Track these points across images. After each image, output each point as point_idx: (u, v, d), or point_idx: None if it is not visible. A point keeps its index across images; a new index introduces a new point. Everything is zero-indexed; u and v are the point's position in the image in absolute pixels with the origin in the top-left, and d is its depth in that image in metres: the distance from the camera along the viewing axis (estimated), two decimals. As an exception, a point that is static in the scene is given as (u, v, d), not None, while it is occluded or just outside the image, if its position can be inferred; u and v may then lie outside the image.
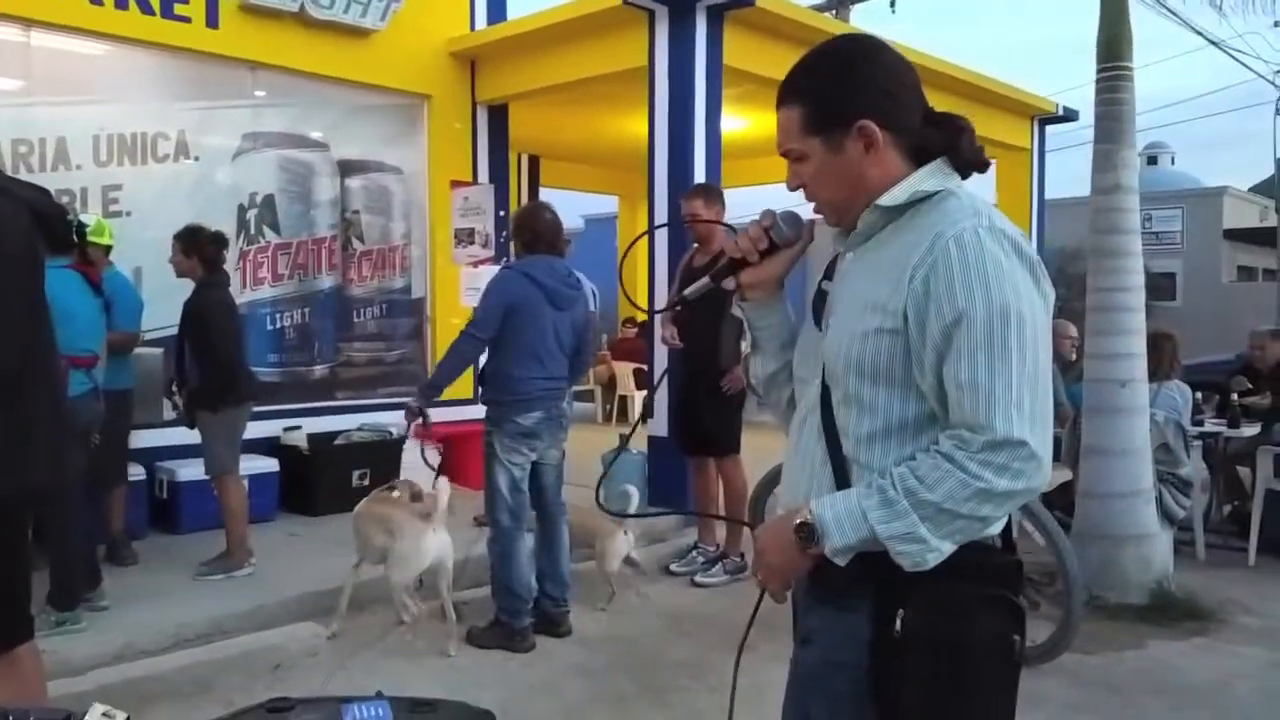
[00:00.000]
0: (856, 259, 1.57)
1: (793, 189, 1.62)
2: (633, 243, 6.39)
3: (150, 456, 5.96)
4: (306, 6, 6.74)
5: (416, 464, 7.01)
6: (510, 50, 7.63)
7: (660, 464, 6.37)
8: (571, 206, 15.96)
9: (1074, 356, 6.91)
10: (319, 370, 7.32)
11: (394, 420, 7.09)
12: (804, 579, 1.56)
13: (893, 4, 17.58)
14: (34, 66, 5.90)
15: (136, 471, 5.82)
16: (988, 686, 1.47)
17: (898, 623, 1.42)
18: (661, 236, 6.60)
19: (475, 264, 7.41)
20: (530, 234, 4.55)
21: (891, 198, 1.49)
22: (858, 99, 1.51)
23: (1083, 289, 5.53)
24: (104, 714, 1.41)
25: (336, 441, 6.83)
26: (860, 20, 17.57)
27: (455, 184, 7.77)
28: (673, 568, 5.68)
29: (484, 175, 8.02)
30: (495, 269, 7.37)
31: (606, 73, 7.19)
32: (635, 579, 5.28)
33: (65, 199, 5.95)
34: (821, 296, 1.64)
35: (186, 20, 6.31)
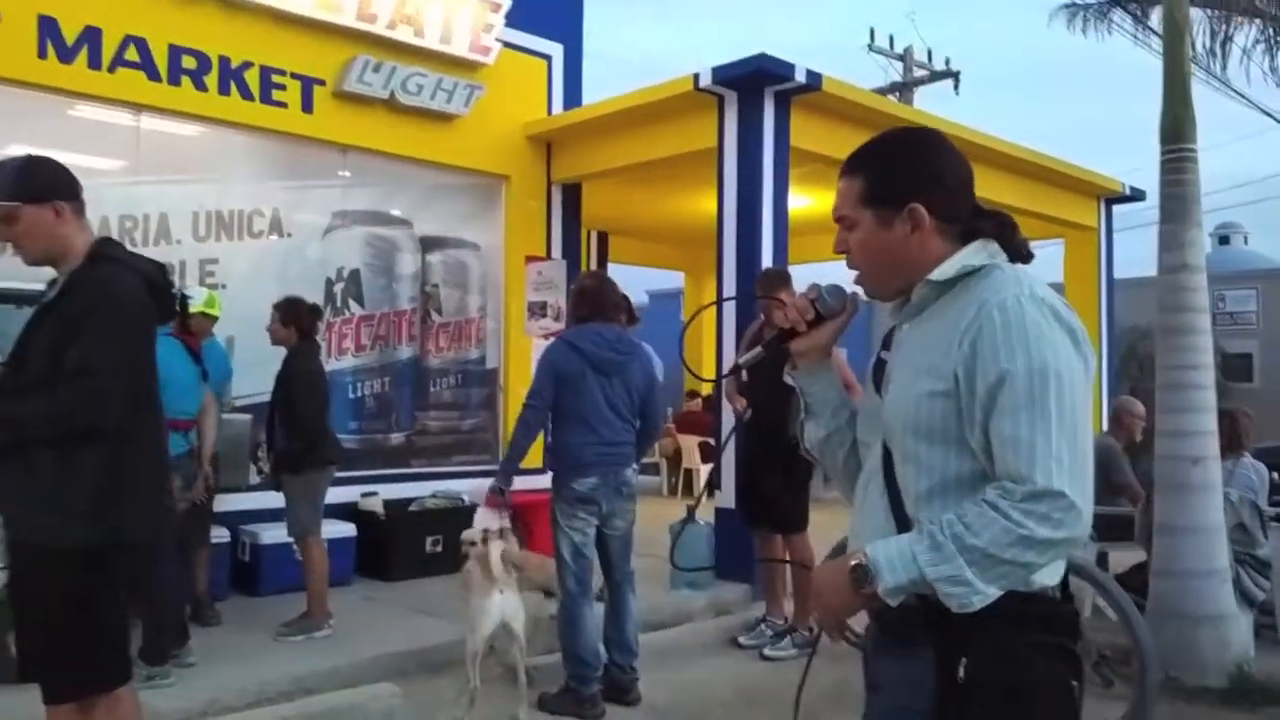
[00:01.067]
0: (911, 329, 1.70)
1: (838, 251, 1.76)
2: (696, 313, 6.59)
3: (234, 520, 6.18)
4: (396, 94, 7.14)
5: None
6: (585, 133, 7.96)
7: (727, 536, 6.41)
8: (637, 282, 16.26)
9: (1139, 436, 6.84)
10: (396, 438, 7.55)
11: (467, 488, 7.29)
12: (873, 630, 1.68)
13: (956, 86, 17.82)
14: (142, 147, 6.34)
15: (220, 534, 6.05)
16: None
17: (961, 669, 1.50)
18: (729, 310, 6.75)
19: (547, 336, 7.63)
20: (580, 304, 4.71)
21: (941, 272, 1.62)
22: (913, 184, 1.65)
23: (1154, 368, 5.52)
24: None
25: (411, 508, 7.00)
26: (924, 102, 17.78)
27: (530, 259, 8.05)
28: (741, 640, 5.68)
29: (557, 251, 8.31)
30: (564, 342, 7.61)
31: (676, 154, 7.45)
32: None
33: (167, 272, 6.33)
34: (880, 365, 1.77)
35: (283, 105, 6.74)
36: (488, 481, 7.34)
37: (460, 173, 7.80)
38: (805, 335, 1.80)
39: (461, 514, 7.00)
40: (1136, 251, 12.40)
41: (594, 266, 11.94)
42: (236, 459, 5.96)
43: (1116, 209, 11.06)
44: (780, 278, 5.69)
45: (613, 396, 4.55)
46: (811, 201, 9.02)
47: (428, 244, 7.73)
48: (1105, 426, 10.20)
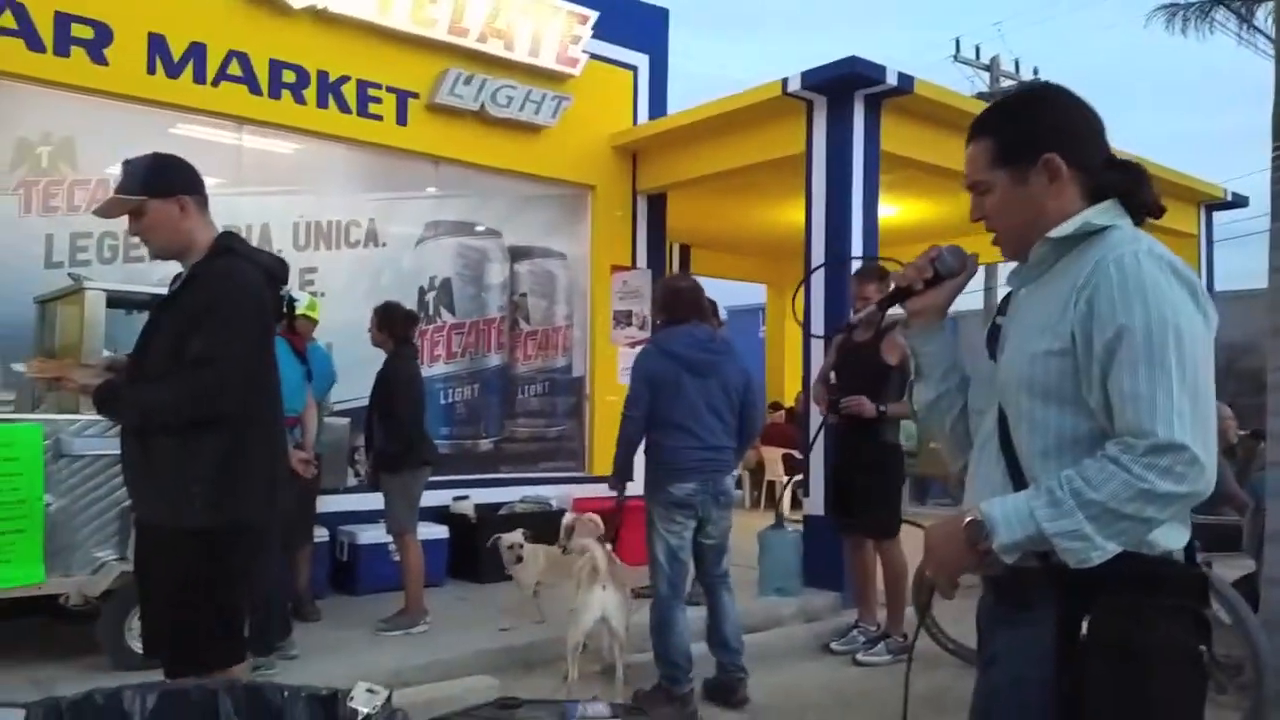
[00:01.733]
0: (1029, 293, 1.70)
1: (975, 220, 1.75)
2: (804, 279, 6.71)
3: (333, 520, 6.33)
4: (486, 106, 7.29)
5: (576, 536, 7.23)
6: (670, 142, 8.01)
7: (816, 543, 6.33)
8: (716, 298, 16.21)
9: (1234, 438, 6.59)
10: (485, 444, 7.67)
11: (554, 493, 7.37)
12: (988, 599, 1.68)
13: (1044, 93, 17.46)
14: (244, 160, 6.58)
15: (320, 534, 6.21)
16: (1173, 694, 1.50)
17: (1083, 628, 1.48)
18: (817, 320, 6.69)
19: (632, 344, 7.68)
20: (671, 304, 4.71)
21: (1060, 230, 1.61)
22: (1044, 134, 1.65)
23: (1252, 385, 5.29)
24: (368, 689, 1.58)
25: (500, 512, 7.09)
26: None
27: (615, 269, 8.12)
28: (833, 646, 5.60)
29: (642, 260, 8.35)
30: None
31: (763, 161, 7.43)
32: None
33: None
34: (995, 330, 1.77)
35: (379, 118, 6.93)
36: (573, 488, 7.49)
37: (547, 183, 7.91)
38: (922, 294, 1.80)
39: (549, 518, 7.08)
40: (1236, 264, 11.96)
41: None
42: (335, 461, 6.08)
43: (1218, 217, 10.68)
44: (877, 271, 5.63)
45: (710, 398, 4.49)
46: (900, 210, 8.92)
47: (516, 254, 7.85)
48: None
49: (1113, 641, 1.47)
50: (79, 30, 5.76)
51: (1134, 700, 1.47)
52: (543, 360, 8.00)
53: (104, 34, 5.84)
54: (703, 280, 4.70)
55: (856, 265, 6.14)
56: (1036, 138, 1.64)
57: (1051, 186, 1.63)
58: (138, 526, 2.81)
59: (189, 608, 2.64)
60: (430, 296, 7.34)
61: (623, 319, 7.96)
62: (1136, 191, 1.64)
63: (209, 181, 6.51)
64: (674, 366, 4.46)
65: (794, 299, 2.56)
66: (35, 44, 5.61)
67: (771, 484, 11.70)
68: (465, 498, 6.98)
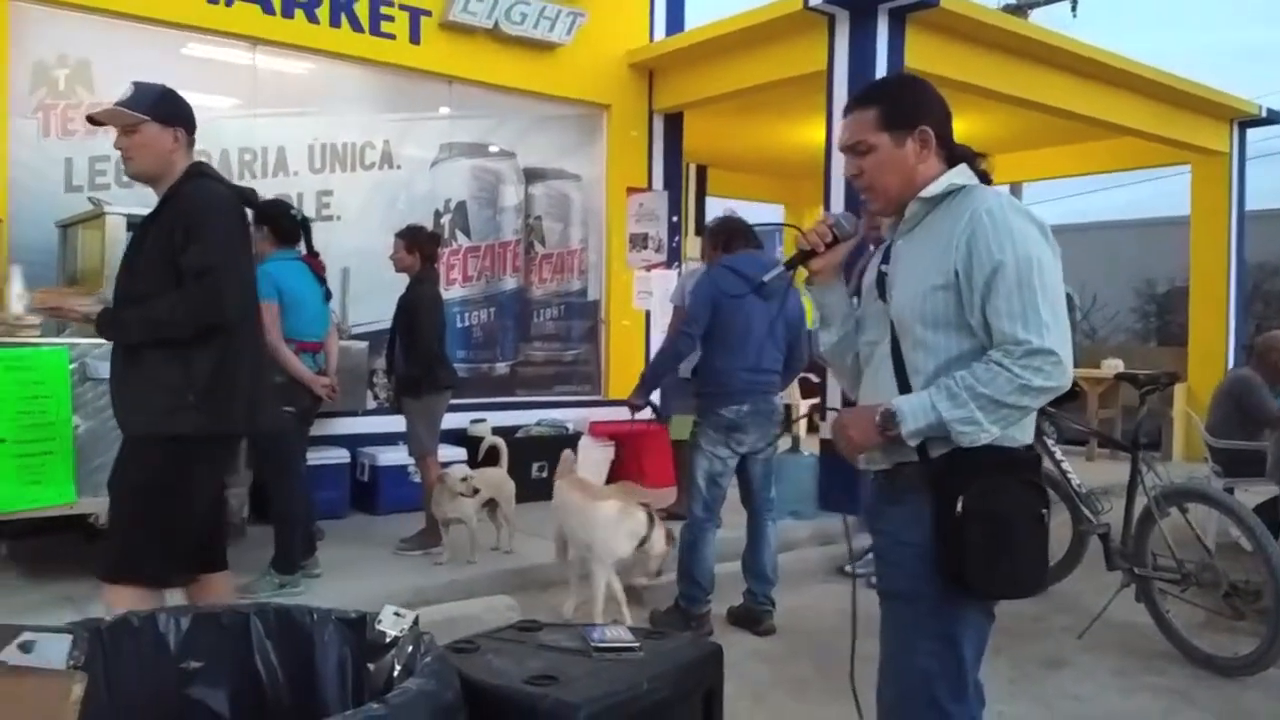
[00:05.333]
0: (906, 244, 2.04)
1: (850, 176, 2.09)
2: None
3: (353, 442, 6.42)
4: (500, 23, 7.14)
5: (592, 460, 7.30)
6: (687, 60, 7.84)
7: (832, 467, 6.37)
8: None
9: None
10: (501, 367, 7.70)
11: (570, 416, 7.41)
12: (879, 487, 2.09)
13: (1074, 8, 16.96)
14: (258, 82, 6.49)
15: (341, 455, 6.30)
16: (1028, 541, 1.94)
17: (959, 505, 1.85)
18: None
19: (648, 268, 7.64)
20: (726, 235, 4.66)
21: (931, 190, 1.97)
22: (921, 110, 2.02)
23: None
24: (395, 612, 1.62)
25: (517, 435, 7.15)
26: (1041, 22, 16.94)
27: (631, 190, 8.02)
28: (847, 569, 5.67)
29: (658, 182, 8.25)
30: (666, 273, 7.59)
31: (783, 78, 7.27)
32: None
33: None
34: (881, 277, 2.11)
35: (392, 37, 6.80)
36: (589, 412, 7.54)
37: (562, 103, 7.79)
38: (823, 255, 2.14)
39: (565, 442, 7.14)
40: (1268, 183, 11.70)
41: (693, 200, 11.89)
42: (354, 384, 6.11)
43: (1251, 134, 10.42)
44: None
45: (771, 322, 4.44)
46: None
47: (531, 175, 7.77)
48: (1231, 362, 9.81)
49: (983, 509, 1.86)
50: (91, -52, 5.65)
51: (1002, 548, 1.88)
52: (558, 284, 7.98)
53: (115, -48, 5.73)
54: (719, 200, 4.66)
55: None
56: (916, 111, 2.01)
57: (921, 153, 1.99)
58: (123, 439, 2.87)
59: (137, 514, 2.73)
60: (446, 219, 7.30)
61: (639, 241, 7.89)
62: (976, 163, 2.02)
63: (225, 103, 6.52)
64: (743, 286, 4.39)
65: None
66: (47, -37, 5.52)
67: (789, 408, 11.72)
68: (482, 421, 7.04)
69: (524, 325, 7.83)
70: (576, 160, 8.03)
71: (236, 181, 6.21)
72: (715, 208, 12.82)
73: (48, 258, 5.46)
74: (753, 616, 4.63)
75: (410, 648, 1.51)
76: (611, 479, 7.30)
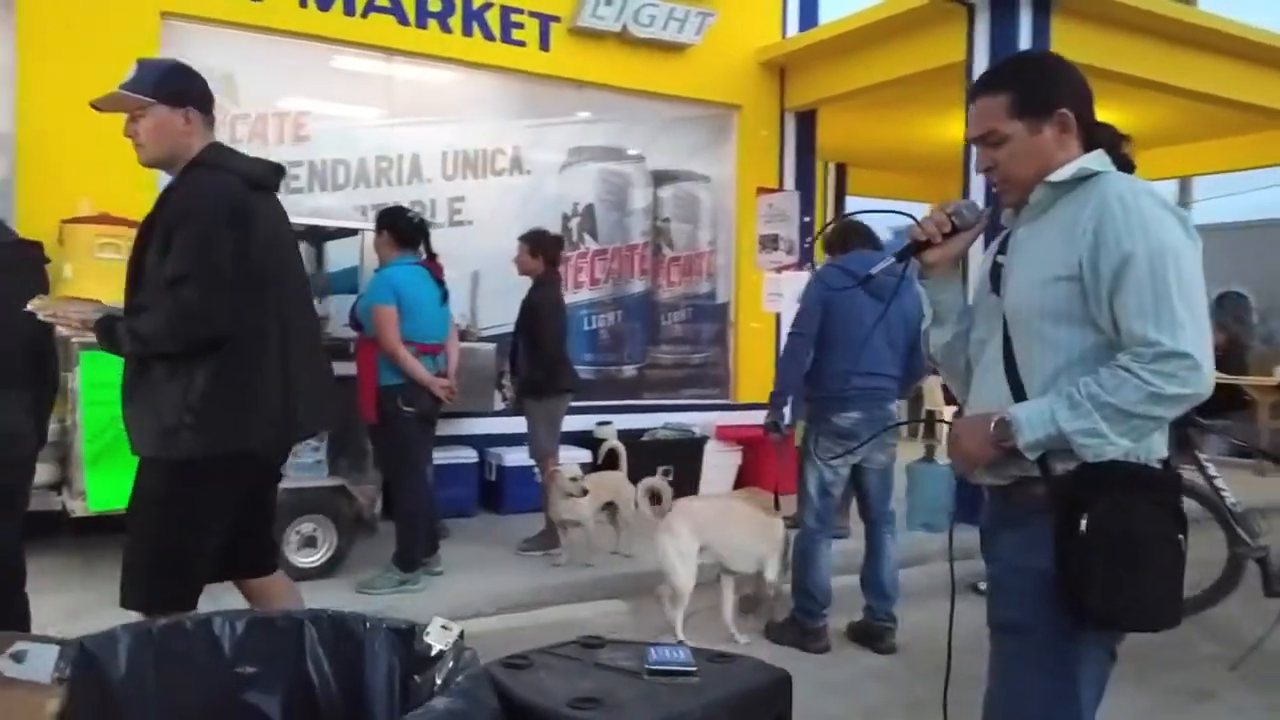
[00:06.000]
0: (1028, 232, 1.86)
1: (982, 170, 1.91)
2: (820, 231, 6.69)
3: (481, 443, 6.54)
4: (629, 26, 7.13)
5: (718, 464, 7.22)
6: (820, 56, 7.64)
7: (965, 478, 6.04)
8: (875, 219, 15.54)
9: None
10: (628, 370, 7.70)
11: (696, 420, 7.34)
12: (995, 506, 1.93)
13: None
14: (394, 92, 6.70)
15: (469, 455, 6.43)
16: (1159, 570, 1.72)
17: (1083, 523, 1.68)
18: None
19: (778, 269, 7.47)
20: (842, 235, 4.50)
21: (1059, 175, 1.80)
22: (1060, 90, 1.85)
23: None
24: (443, 625, 1.59)
25: (643, 438, 7.13)
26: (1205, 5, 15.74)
27: (761, 191, 7.87)
28: (981, 586, 5.36)
29: (790, 182, 8.08)
30: (797, 275, 7.40)
31: (920, 71, 6.99)
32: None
33: (418, 208, 6.72)
34: (997, 268, 1.94)
35: (522, 44, 6.90)
36: (717, 415, 7.44)
37: (692, 104, 7.72)
38: (939, 246, 1.96)
39: (691, 446, 7.09)
40: None
41: (831, 199, 11.62)
42: (482, 385, 6.22)
43: None
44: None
45: (886, 324, 4.21)
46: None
47: (659, 178, 7.74)
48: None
49: (1109, 530, 1.68)
50: (236, -32, 5.97)
51: (1129, 572, 1.69)
52: (686, 286, 7.92)
53: (259, -30, 6.04)
54: (861, 200, 4.46)
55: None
56: (1052, 93, 1.84)
57: (1061, 138, 1.82)
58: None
59: (141, 536, 2.53)
60: (574, 223, 7.35)
61: (769, 243, 7.73)
62: (1118, 147, 1.86)
63: (362, 113, 6.74)
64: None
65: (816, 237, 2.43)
66: (197, -17, 5.86)
67: (931, 414, 11.29)
68: (608, 423, 7.05)
69: (652, 328, 7.81)
70: (706, 161, 7.95)
71: (372, 189, 6.50)
72: (854, 207, 12.51)
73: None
74: (873, 633, 4.43)
75: (452, 663, 1.48)
76: (738, 484, 7.22)
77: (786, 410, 4.42)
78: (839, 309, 4.25)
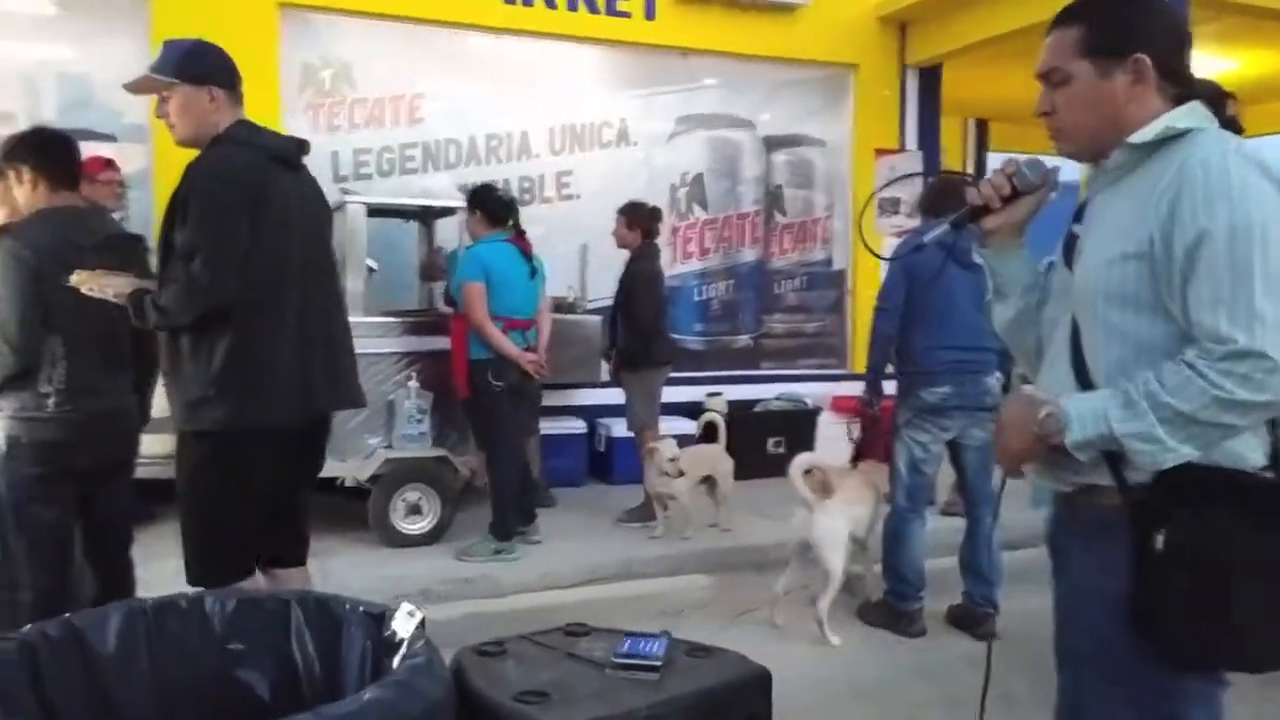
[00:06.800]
0: (1105, 199, 1.63)
1: (1041, 113, 1.68)
2: (874, 195, 6.30)
3: (590, 413, 6.63)
4: (736, -12, 6.99)
5: (831, 436, 7.06)
6: (945, 7, 7.26)
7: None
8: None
9: None
10: (740, 340, 7.63)
11: (810, 391, 7.20)
12: (1062, 511, 1.69)
13: None
14: (503, 70, 6.81)
15: (577, 425, 6.53)
16: (1253, 599, 1.45)
17: (1159, 541, 1.45)
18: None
19: (899, 234, 7.19)
20: (934, 196, 4.31)
21: (1141, 135, 1.54)
22: (1139, 33, 1.58)
23: None
24: (409, 612, 1.62)
25: (755, 409, 7.06)
26: None
27: (880, 153, 7.61)
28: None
29: (911, 142, 7.77)
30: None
31: (1054, 15, 6.52)
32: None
33: (525, 185, 6.84)
34: (1071, 240, 1.70)
35: (627, 15, 6.88)
36: (833, 386, 7.27)
37: (804, 66, 7.51)
38: (999, 211, 1.76)
39: (804, 417, 6.97)
40: None
41: (971, 158, 11.07)
42: (589, 357, 6.29)
43: None
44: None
45: (977, 294, 4.05)
46: (1243, 63, 7.50)
47: (771, 143, 7.59)
48: None
49: (1190, 552, 1.45)
50: (349, -44, 6.18)
51: (1214, 602, 1.45)
52: (800, 254, 7.75)
53: (368, -43, 6.24)
54: (1001, 155, 4.19)
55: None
56: (1130, 34, 1.58)
57: (1134, 88, 1.58)
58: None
59: (186, 513, 2.60)
60: (682, 193, 7.31)
61: (889, 207, 7.46)
62: (1221, 107, 1.62)
63: (471, 91, 6.87)
64: (939, 255, 4.03)
65: (861, 217, 2.24)
66: (310, -27, 6.11)
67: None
68: (718, 394, 7.01)
69: (764, 297, 7.70)
70: (820, 124, 7.73)
71: (482, 166, 6.64)
72: (997, 164, 11.89)
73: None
74: (972, 618, 4.25)
75: (409, 649, 1.51)
76: (856, 458, 7.04)
77: (881, 387, 4.30)
78: (924, 279, 4.05)
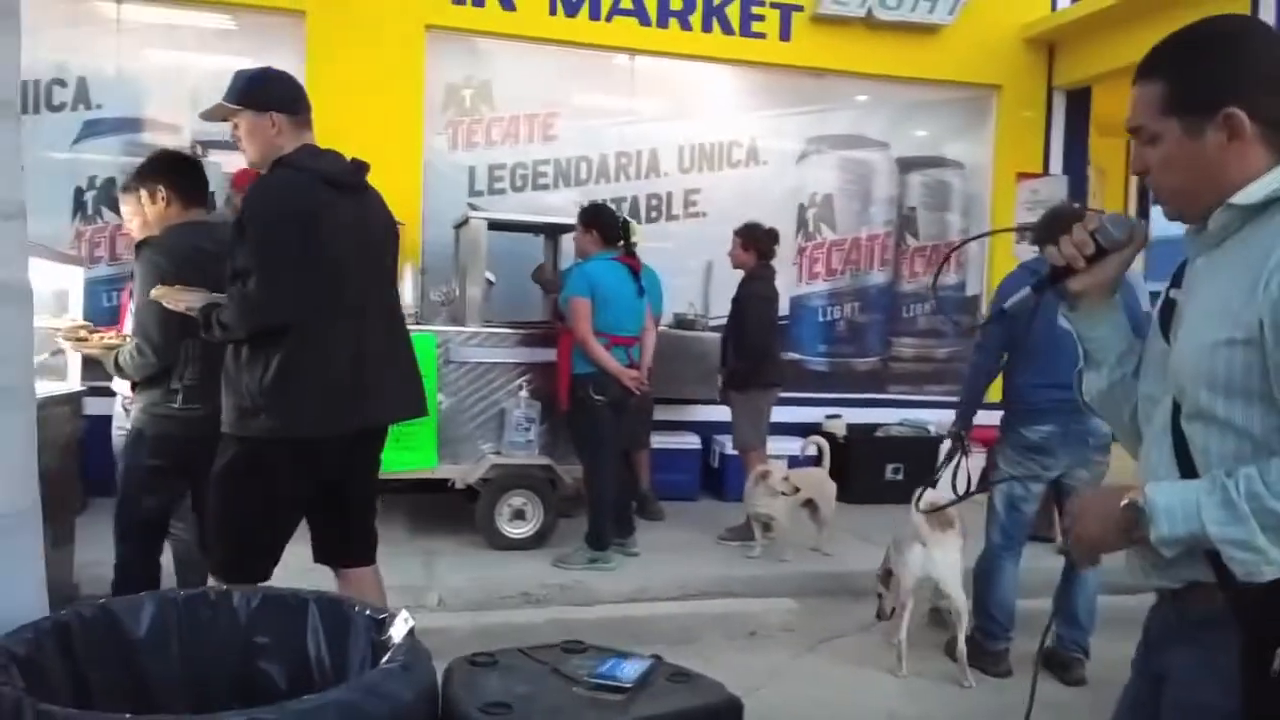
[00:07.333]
0: (1207, 264, 1.43)
1: (1136, 172, 1.51)
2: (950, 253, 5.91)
3: (706, 429, 6.70)
4: (874, 10, 6.93)
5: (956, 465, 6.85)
6: (1097, 27, 6.95)
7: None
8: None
9: None
10: (865, 363, 7.52)
11: (936, 418, 7.00)
12: (1166, 609, 1.50)
13: None
14: (635, 90, 7.00)
15: (692, 441, 6.62)
16: None
17: (1277, 660, 1.27)
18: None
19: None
20: (1043, 231, 4.16)
21: (1246, 195, 1.35)
22: (1230, 84, 1.37)
23: None
24: (404, 619, 1.77)
25: (876, 434, 6.95)
26: None
27: (1022, 176, 7.34)
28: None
29: (1056, 165, 7.47)
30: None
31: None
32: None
33: (654, 202, 6.99)
34: (1170, 306, 1.51)
35: (762, 36, 6.94)
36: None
37: (943, 87, 7.36)
38: (1085, 272, 1.58)
39: (925, 444, 6.79)
40: None
41: (1135, 181, 10.47)
42: (706, 373, 6.35)
43: None
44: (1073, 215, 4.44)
45: None
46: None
47: (905, 165, 7.47)
48: None
49: None
50: (491, -21, 6.51)
51: None
52: (931, 277, 7.57)
53: (512, -19, 6.55)
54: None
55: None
56: (1218, 86, 1.37)
57: (1231, 145, 1.36)
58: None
59: (217, 505, 2.75)
60: (810, 213, 7.29)
61: (1021, 235, 7.19)
62: None
63: (605, 111, 7.07)
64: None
65: (935, 278, 2.12)
66: (456, -3, 6.47)
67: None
68: (837, 416, 6.94)
69: (893, 320, 7.57)
70: (959, 146, 7.55)
71: (612, 183, 6.83)
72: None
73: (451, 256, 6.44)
74: (1060, 662, 4.09)
75: (391, 655, 1.65)
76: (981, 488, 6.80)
77: (970, 420, 4.20)
78: (1025, 313, 3.91)
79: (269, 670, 1.86)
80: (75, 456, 4.06)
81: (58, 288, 4.35)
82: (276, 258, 2.61)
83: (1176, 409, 1.42)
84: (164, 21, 6.33)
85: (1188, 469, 1.39)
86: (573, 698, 1.68)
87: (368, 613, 1.84)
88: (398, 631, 1.74)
